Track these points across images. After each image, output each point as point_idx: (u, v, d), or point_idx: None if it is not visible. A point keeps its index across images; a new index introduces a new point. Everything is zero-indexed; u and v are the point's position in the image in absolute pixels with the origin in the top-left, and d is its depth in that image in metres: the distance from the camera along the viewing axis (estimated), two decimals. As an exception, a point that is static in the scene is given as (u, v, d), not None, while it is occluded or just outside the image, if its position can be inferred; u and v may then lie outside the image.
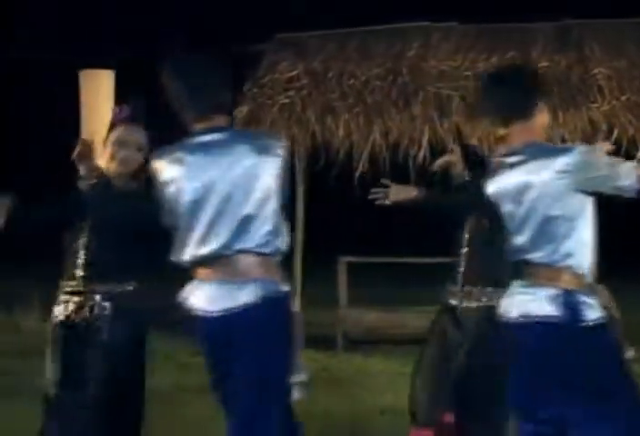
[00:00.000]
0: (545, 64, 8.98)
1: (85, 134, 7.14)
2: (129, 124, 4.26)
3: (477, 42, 9.40)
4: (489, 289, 4.80)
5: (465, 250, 4.87)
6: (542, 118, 3.72)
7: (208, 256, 3.61)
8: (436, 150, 8.08)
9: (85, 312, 4.14)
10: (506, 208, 3.70)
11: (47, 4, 19.92)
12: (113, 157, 4.23)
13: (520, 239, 3.66)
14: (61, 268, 4.31)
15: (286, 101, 8.58)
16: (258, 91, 8.71)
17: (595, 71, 8.82)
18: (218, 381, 3.69)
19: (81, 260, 4.17)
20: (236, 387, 3.58)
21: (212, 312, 3.59)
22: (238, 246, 3.58)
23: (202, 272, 3.66)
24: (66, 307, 4.17)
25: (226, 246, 3.58)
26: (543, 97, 3.78)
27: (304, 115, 8.45)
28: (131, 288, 4.20)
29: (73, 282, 4.18)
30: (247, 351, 3.57)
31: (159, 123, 4.36)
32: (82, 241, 4.18)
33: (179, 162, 3.65)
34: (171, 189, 3.65)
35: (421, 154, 8.15)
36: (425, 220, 5.12)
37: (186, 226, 3.63)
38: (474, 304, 4.86)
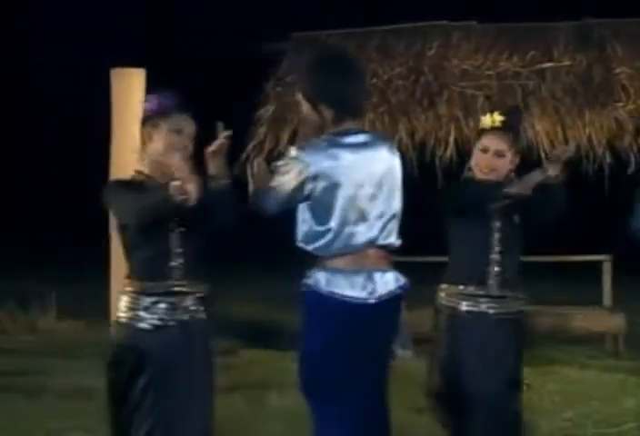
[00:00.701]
0: (567, 63, 8.98)
1: (115, 133, 7.12)
2: (179, 113, 4.03)
3: (497, 41, 9.37)
4: (519, 292, 4.60)
5: (497, 250, 4.55)
6: None
7: (354, 249, 3.85)
8: (463, 150, 8.07)
9: (181, 314, 3.98)
10: None
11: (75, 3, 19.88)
12: (171, 146, 3.95)
13: None
14: (129, 266, 4.03)
15: (311, 100, 8.53)
16: (282, 90, 8.68)
17: (618, 70, 8.81)
18: (344, 363, 3.86)
19: (179, 259, 3.98)
20: (366, 364, 3.92)
21: (366, 299, 3.88)
22: (382, 242, 3.93)
23: (339, 262, 3.86)
24: (157, 309, 3.95)
25: (373, 241, 3.90)
26: None
27: (329, 115, 8.40)
28: (209, 290, 4.12)
29: (165, 282, 3.95)
30: (386, 332, 4.00)
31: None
32: (176, 239, 3.98)
33: (334, 158, 3.82)
34: (322, 183, 3.81)
35: (448, 154, 8.14)
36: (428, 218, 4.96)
37: (339, 220, 3.83)
38: (509, 310, 4.55)
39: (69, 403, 6.87)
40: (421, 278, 5.24)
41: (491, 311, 4.53)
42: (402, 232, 4.05)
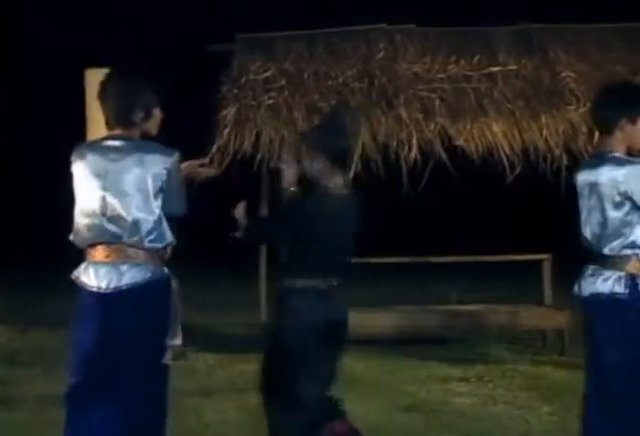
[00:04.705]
0: (513, 67, 9.19)
1: (90, 135, 6.97)
2: None
3: (440, 45, 9.52)
4: None
5: None
6: None
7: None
8: (426, 151, 8.16)
9: None
10: None
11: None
12: None
13: None
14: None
15: (271, 102, 8.53)
16: (240, 92, 8.63)
17: (563, 74, 9.04)
18: None
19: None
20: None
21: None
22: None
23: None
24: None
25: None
26: None
27: (290, 116, 8.41)
28: None
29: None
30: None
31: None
32: None
33: None
34: None
35: (412, 156, 8.20)
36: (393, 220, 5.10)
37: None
38: None
39: (60, 413, 6.64)
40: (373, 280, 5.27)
41: None
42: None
